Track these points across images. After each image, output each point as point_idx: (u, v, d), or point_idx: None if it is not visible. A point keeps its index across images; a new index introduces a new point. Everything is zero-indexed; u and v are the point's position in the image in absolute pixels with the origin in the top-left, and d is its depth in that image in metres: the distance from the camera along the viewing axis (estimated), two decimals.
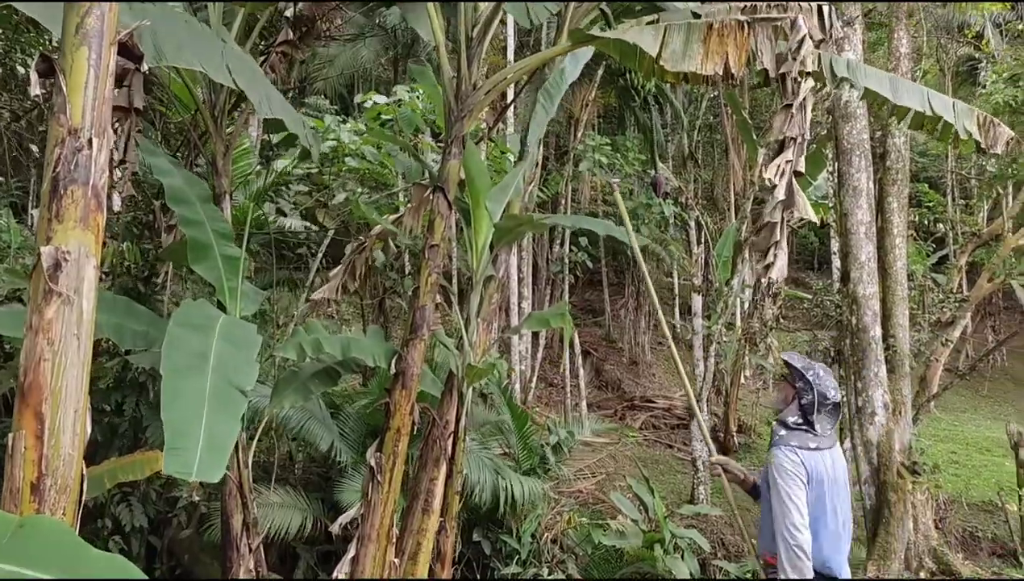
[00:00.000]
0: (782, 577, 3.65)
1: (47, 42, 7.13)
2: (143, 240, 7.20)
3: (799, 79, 4.16)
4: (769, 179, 4.10)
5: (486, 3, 5.36)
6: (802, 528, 3.62)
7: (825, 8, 6.21)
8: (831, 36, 5.87)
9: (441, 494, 5.71)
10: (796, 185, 4.19)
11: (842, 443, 11.86)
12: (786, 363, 4.12)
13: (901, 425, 8.59)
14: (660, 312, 5.17)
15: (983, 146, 5.05)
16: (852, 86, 5.03)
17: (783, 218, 4.15)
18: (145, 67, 2.74)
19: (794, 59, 4.22)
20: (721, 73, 4.35)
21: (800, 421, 3.90)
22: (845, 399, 10.51)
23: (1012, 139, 5.08)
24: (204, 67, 4.08)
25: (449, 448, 5.69)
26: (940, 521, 8.72)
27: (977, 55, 21.02)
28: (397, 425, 5.24)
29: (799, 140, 4.18)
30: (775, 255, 4.16)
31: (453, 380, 5.73)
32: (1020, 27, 15.60)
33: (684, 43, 4.43)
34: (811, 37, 5.87)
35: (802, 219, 4.54)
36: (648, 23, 6.72)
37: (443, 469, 5.71)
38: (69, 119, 2.39)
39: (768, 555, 3.92)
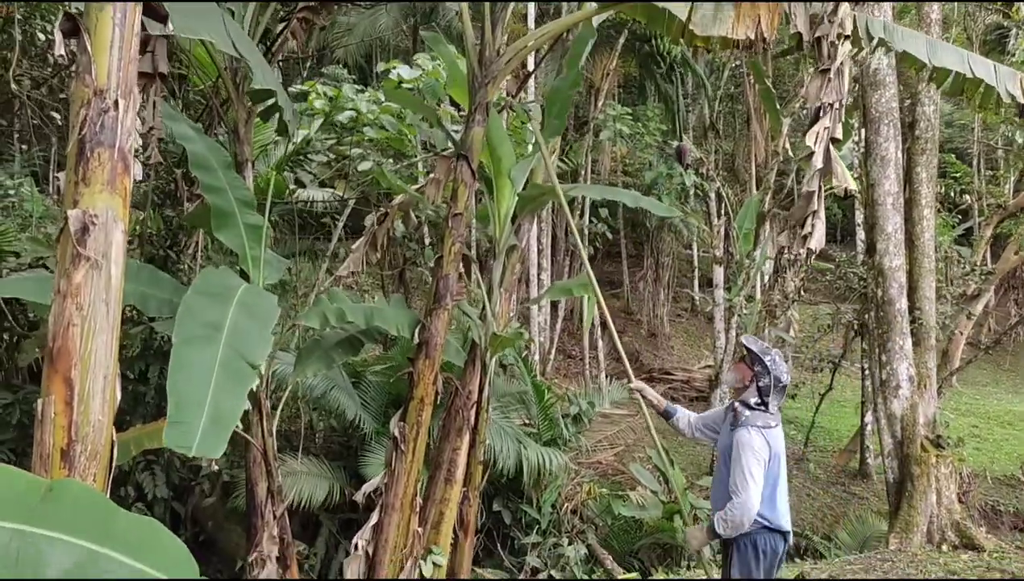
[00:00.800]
0: (719, 530, 4.17)
1: (67, 7, 7.04)
2: (164, 208, 7.18)
3: (836, 42, 4.03)
4: (808, 146, 4.00)
5: None
6: (756, 502, 4.06)
7: None
8: None
9: (464, 464, 5.70)
10: (834, 152, 4.08)
11: (863, 416, 11.85)
12: (745, 346, 4.43)
13: (926, 398, 8.50)
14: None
15: None
16: (889, 49, 4.88)
17: (820, 187, 4.06)
18: (170, 27, 2.67)
19: (831, 22, 4.08)
20: (753, 37, 4.25)
21: (759, 401, 4.25)
22: (869, 372, 10.43)
23: None
24: (211, 36, 4.01)
25: (472, 418, 5.67)
26: (964, 495, 8.65)
27: (1006, 23, 20.52)
28: (420, 395, 5.22)
29: (836, 106, 4.06)
30: (813, 225, 4.08)
31: (476, 350, 5.70)
32: None
33: (715, 7, 4.32)
34: None
35: (831, 189, 4.45)
36: None
37: (466, 439, 5.70)
38: (95, 79, 2.35)
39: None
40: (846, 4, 4.09)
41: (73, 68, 2.45)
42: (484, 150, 5.45)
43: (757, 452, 4.10)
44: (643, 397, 5.07)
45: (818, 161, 4.09)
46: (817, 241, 4.16)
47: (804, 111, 15.26)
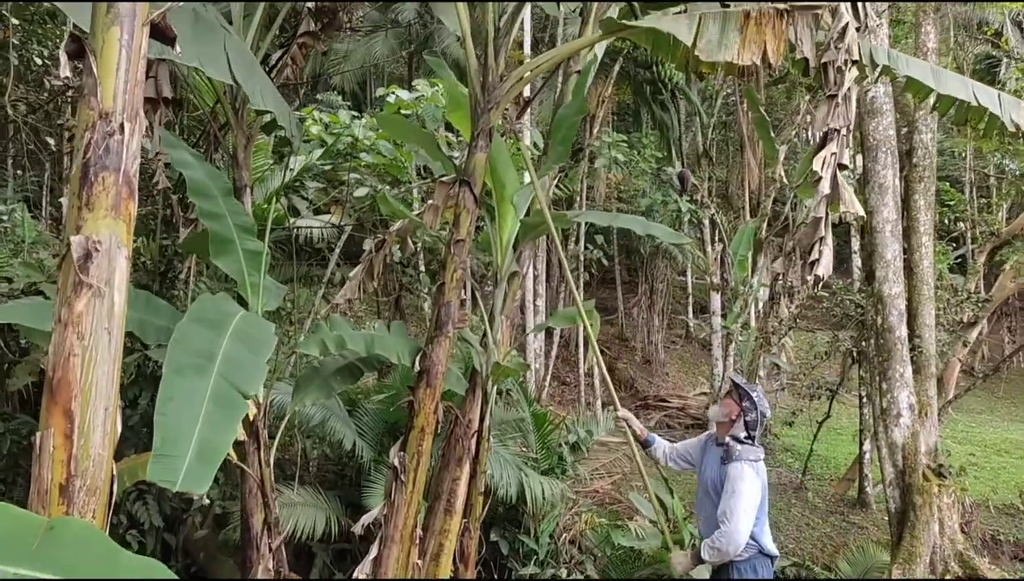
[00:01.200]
0: (705, 556, 4.36)
1: (63, 35, 7.03)
2: (160, 235, 7.10)
3: (844, 68, 4.02)
4: (813, 172, 3.97)
5: None
6: (745, 533, 4.24)
7: None
8: (866, 25, 5.73)
9: (464, 494, 5.60)
10: (841, 178, 4.06)
11: (861, 444, 11.77)
12: (733, 382, 4.66)
13: (927, 427, 8.43)
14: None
15: None
16: (894, 76, 4.88)
17: (827, 213, 4.03)
18: (178, 50, 2.62)
19: (837, 48, 4.07)
20: (759, 62, 4.22)
21: (747, 435, 4.44)
22: (868, 400, 10.37)
23: None
24: (203, 64, 3.97)
25: (473, 447, 5.58)
26: (966, 525, 8.56)
27: (995, 53, 20.78)
28: (421, 424, 5.12)
29: (843, 132, 4.05)
30: (820, 251, 4.05)
31: (477, 378, 5.62)
32: None
33: (720, 32, 4.30)
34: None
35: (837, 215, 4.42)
36: (676, 14, 6.61)
37: (466, 469, 5.59)
38: (100, 102, 2.28)
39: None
40: (853, 30, 4.07)
41: (71, 93, 2.39)
42: (486, 176, 5.40)
43: (750, 486, 4.28)
44: (628, 426, 5.24)
45: (825, 187, 4.07)
46: (825, 268, 4.14)
47: (798, 139, 15.36)
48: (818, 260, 4.03)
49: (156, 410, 2.94)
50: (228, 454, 4.65)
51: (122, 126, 2.30)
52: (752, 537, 4.36)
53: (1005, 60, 18.96)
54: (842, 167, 4.06)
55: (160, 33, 2.46)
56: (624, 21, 4.68)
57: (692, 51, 4.29)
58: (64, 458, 2.19)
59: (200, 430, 2.94)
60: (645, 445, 5.20)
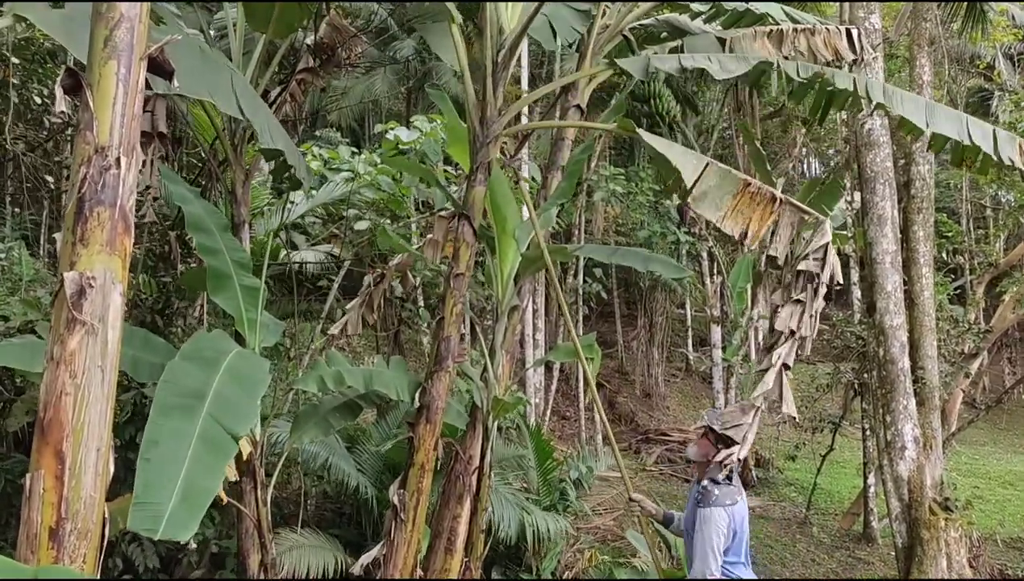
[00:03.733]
0: None
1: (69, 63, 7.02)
2: (157, 271, 7.07)
3: (818, 275, 4.16)
4: (763, 369, 4.13)
5: (511, 28, 5.26)
6: (714, 573, 4.29)
7: (854, 31, 6.11)
8: (862, 58, 5.75)
9: (465, 532, 5.50)
10: (787, 381, 4.24)
11: (865, 477, 11.65)
12: (707, 425, 4.58)
13: (932, 460, 8.34)
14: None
15: None
16: (888, 112, 4.88)
17: (757, 411, 4.18)
18: (175, 84, 2.59)
19: (816, 260, 4.21)
20: (738, 238, 4.29)
21: (725, 476, 4.43)
22: (872, 432, 10.27)
23: None
24: (214, 97, 3.95)
25: (473, 484, 5.49)
26: (974, 559, 8.43)
27: (988, 86, 20.95)
28: (421, 461, 5.05)
29: (800, 334, 4.18)
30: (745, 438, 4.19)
31: (477, 413, 5.55)
32: None
33: (718, 186, 4.34)
34: (842, 59, 5.77)
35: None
36: (671, 50, 6.65)
37: (467, 506, 5.50)
38: (96, 136, 2.25)
39: None
40: (833, 251, 4.24)
41: (70, 132, 2.36)
42: (486, 209, 5.39)
43: (721, 531, 4.31)
44: (642, 508, 5.13)
45: (769, 383, 4.22)
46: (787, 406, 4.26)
47: (794, 171, 15.42)
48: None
49: (140, 454, 2.85)
50: (219, 495, 4.58)
51: (118, 160, 2.27)
52: (726, 572, 4.39)
53: (998, 93, 19.12)
54: (787, 367, 4.18)
55: (158, 67, 2.44)
56: (639, 131, 4.67)
57: (688, 191, 4.34)
58: (55, 500, 2.12)
59: (186, 474, 2.86)
60: (666, 524, 5.10)
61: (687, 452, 4.89)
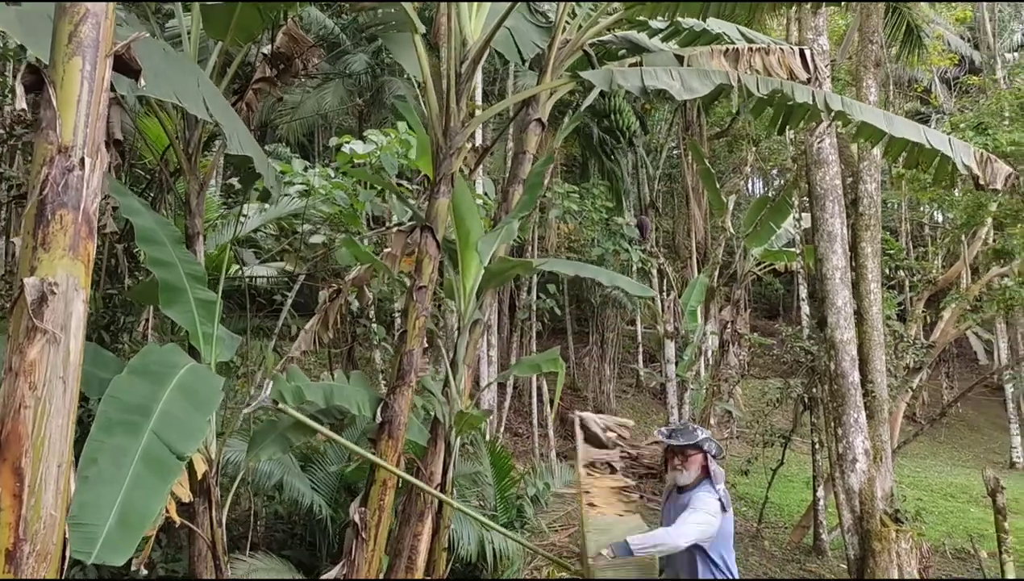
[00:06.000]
0: (634, 544, 4.14)
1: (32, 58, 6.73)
2: (103, 285, 6.82)
3: None
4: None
5: (474, 39, 5.23)
6: (688, 540, 4.18)
7: (807, 51, 6.23)
8: (816, 77, 5.86)
9: (426, 551, 5.39)
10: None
11: (815, 490, 11.82)
12: (691, 443, 4.50)
13: (882, 472, 8.49)
14: None
15: (982, 182, 4.98)
16: (848, 121, 4.98)
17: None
18: (142, 84, 2.49)
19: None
20: None
21: (713, 467, 4.47)
22: (823, 446, 10.43)
23: (1011, 175, 5.03)
24: (180, 99, 3.84)
25: (435, 501, 5.38)
26: (924, 570, 8.58)
27: (924, 109, 21.71)
28: (383, 477, 4.94)
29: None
30: None
31: (439, 429, 5.46)
32: (970, 82, 16.12)
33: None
34: (795, 78, 5.87)
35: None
36: (631, 64, 6.70)
37: (428, 524, 5.40)
38: (59, 136, 2.14)
39: None
40: None
41: (29, 132, 2.24)
42: (449, 222, 5.33)
43: (710, 509, 4.26)
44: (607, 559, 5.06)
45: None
46: None
47: (746, 189, 15.68)
48: None
49: (78, 471, 2.67)
50: (172, 515, 4.40)
51: (82, 161, 2.16)
52: (727, 566, 4.37)
53: (935, 115, 19.79)
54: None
55: (124, 66, 2.33)
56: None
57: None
58: (12, 520, 1.99)
59: (124, 495, 2.71)
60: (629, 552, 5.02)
61: (677, 480, 4.62)
